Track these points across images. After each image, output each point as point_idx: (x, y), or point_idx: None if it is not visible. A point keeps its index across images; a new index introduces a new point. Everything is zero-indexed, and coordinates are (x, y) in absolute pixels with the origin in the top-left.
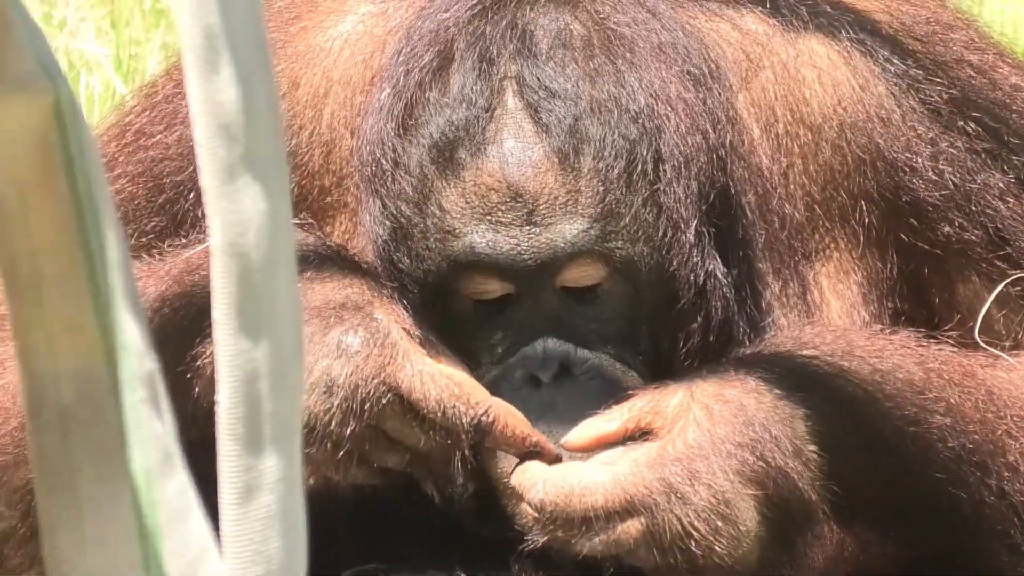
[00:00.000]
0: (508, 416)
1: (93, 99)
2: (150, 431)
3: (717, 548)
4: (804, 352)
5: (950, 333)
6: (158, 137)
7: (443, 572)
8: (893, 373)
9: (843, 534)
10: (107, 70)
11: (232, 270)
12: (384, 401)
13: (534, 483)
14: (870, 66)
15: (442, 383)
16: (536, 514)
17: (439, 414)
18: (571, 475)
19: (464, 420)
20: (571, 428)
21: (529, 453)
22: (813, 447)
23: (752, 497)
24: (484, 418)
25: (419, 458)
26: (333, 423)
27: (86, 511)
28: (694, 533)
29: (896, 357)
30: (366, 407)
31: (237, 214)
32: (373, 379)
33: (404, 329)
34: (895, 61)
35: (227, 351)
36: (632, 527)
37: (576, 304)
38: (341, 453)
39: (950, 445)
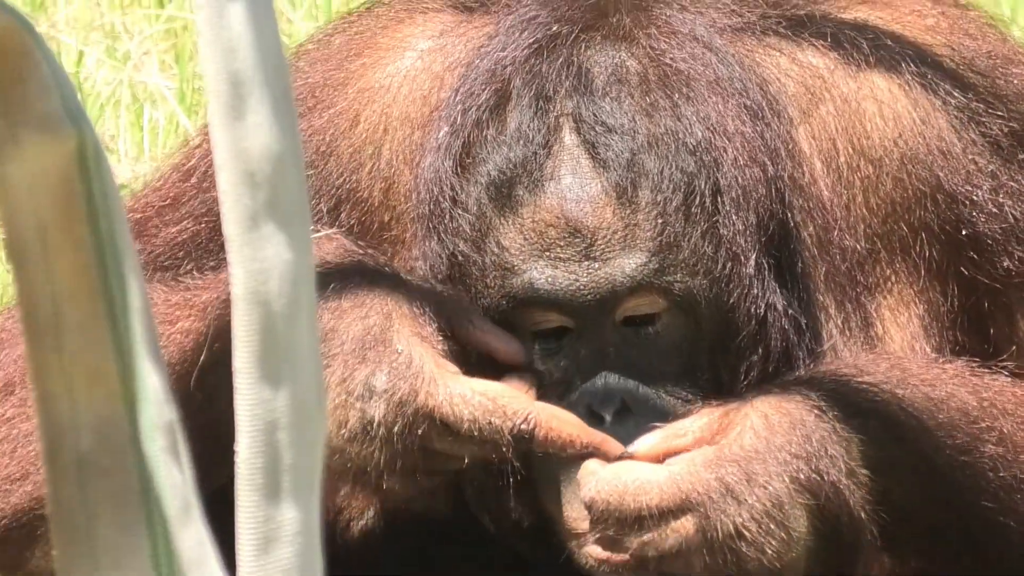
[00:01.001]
0: (552, 420)
1: (157, 132)
2: (169, 480)
3: (768, 551)
4: (860, 378)
5: (1007, 364)
6: None
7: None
8: (947, 401)
9: (889, 561)
10: (171, 103)
11: (254, 319)
12: (422, 429)
13: (587, 480)
14: (931, 99)
15: (475, 400)
16: (589, 511)
17: (476, 432)
18: (625, 472)
19: (504, 432)
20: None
21: (588, 454)
22: (866, 471)
23: (804, 506)
24: (524, 426)
25: (470, 473)
26: (381, 462)
27: (103, 561)
28: (746, 534)
29: (950, 385)
30: (407, 440)
31: (260, 263)
32: (406, 412)
33: (431, 348)
34: (956, 94)
35: (248, 400)
36: (684, 526)
37: (636, 338)
38: (393, 481)
39: (1001, 475)
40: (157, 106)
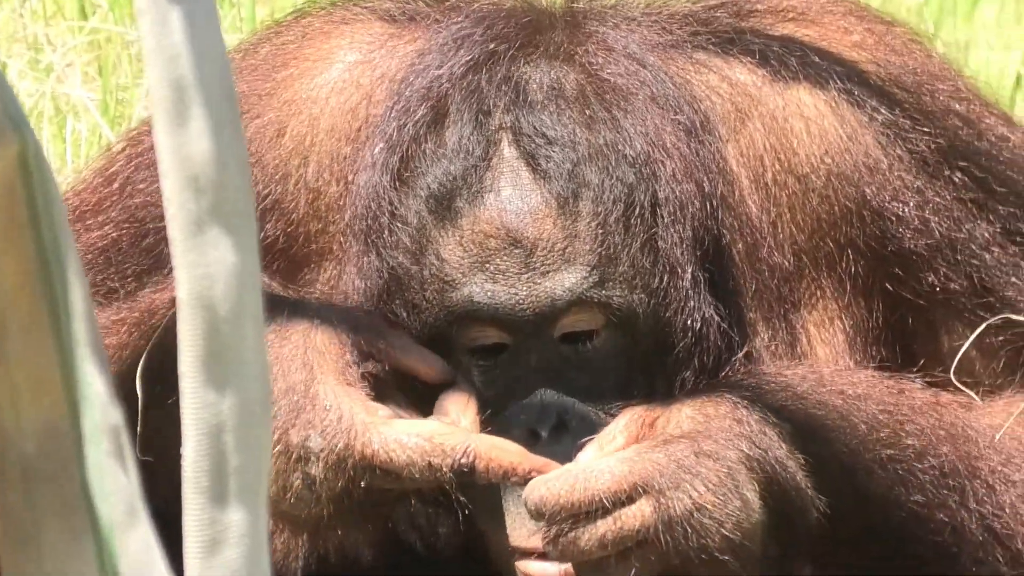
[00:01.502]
0: (492, 450)
1: (79, 143)
2: (114, 483)
3: (728, 521)
4: (780, 381)
5: (928, 379)
6: (142, 186)
7: None
8: (865, 400)
9: (826, 562)
10: (94, 115)
11: (199, 322)
12: (365, 480)
13: (534, 488)
14: (857, 116)
15: (412, 444)
16: (539, 517)
17: (417, 474)
18: (573, 468)
19: (444, 470)
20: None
21: (530, 479)
22: (801, 457)
23: (755, 480)
24: (464, 460)
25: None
26: (331, 516)
27: (49, 563)
28: (705, 505)
29: (866, 386)
30: (352, 491)
31: (205, 267)
32: (346, 467)
33: (359, 395)
34: (882, 111)
35: (193, 404)
36: (640, 508)
37: (573, 355)
38: (343, 530)
39: (926, 466)
40: (80, 118)
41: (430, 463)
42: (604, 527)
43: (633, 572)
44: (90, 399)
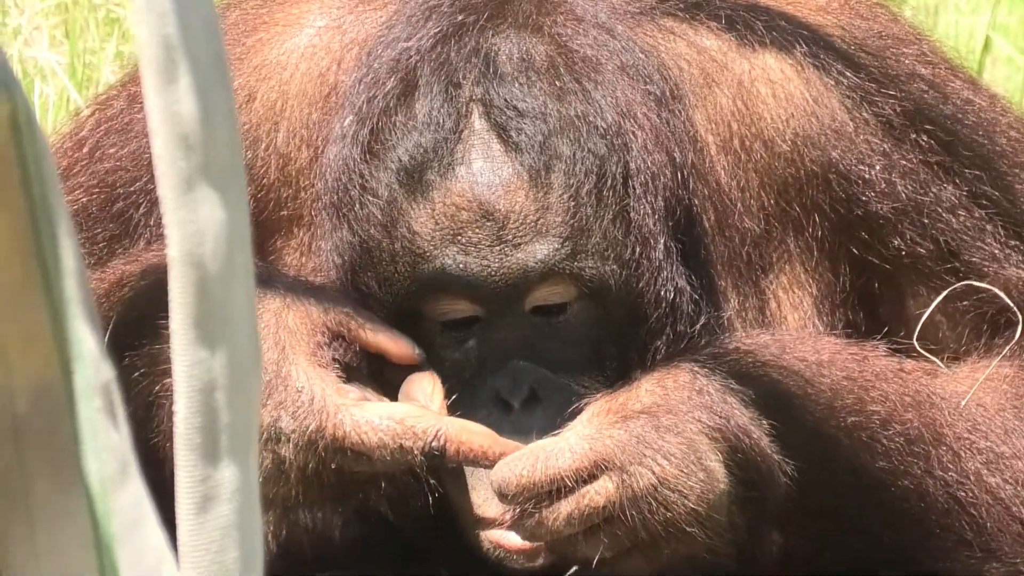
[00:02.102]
0: (463, 433)
1: (47, 107)
2: (106, 441)
3: (691, 494)
4: (743, 348)
5: (893, 345)
6: (112, 150)
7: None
8: (830, 367)
9: (793, 530)
10: (61, 78)
11: (190, 280)
12: (335, 462)
13: (498, 468)
14: (823, 80)
15: (383, 426)
16: (503, 498)
17: (388, 456)
18: (535, 449)
19: (415, 452)
20: None
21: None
22: (766, 423)
23: (718, 449)
24: (435, 443)
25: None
26: (301, 497)
27: (39, 521)
28: (668, 479)
29: (830, 352)
30: (322, 474)
31: (195, 224)
32: (317, 449)
33: (330, 377)
34: (848, 74)
35: (184, 361)
36: (604, 486)
37: (545, 327)
38: (313, 510)
39: (891, 433)
40: (47, 81)
41: (401, 445)
42: (568, 506)
43: (602, 547)
44: (82, 356)
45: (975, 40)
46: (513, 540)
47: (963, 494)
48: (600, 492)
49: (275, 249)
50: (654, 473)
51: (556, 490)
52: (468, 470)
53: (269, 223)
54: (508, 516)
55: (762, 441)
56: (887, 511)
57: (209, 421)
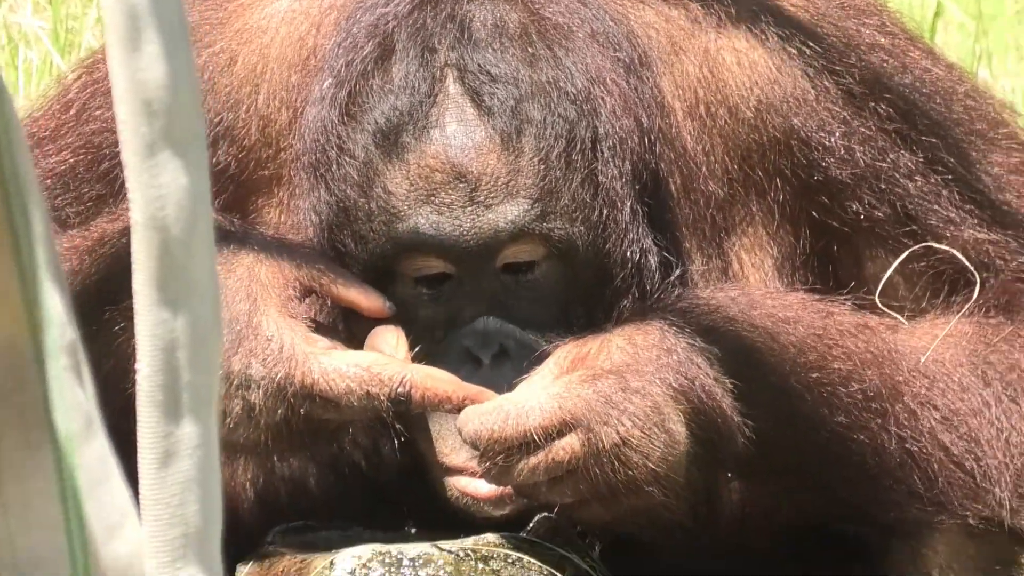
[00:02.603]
0: (427, 379)
1: (31, 72)
2: (72, 398)
3: (653, 455)
4: (712, 303)
5: (858, 302)
6: (98, 112)
7: (370, 530)
8: (795, 323)
9: (753, 486)
10: (45, 43)
11: (152, 243)
12: (304, 408)
13: (469, 417)
14: (787, 49)
15: (350, 373)
16: (474, 449)
17: (355, 402)
18: (505, 403)
19: (382, 398)
20: None
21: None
22: (728, 382)
23: (681, 411)
24: (401, 389)
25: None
26: (270, 443)
27: (8, 475)
28: (631, 439)
29: (796, 309)
30: (291, 419)
31: (157, 188)
32: (286, 395)
33: (300, 326)
34: (810, 44)
35: (147, 322)
36: (570, 442)
37: (515, 284)
38: (282, 456)
39: (851, 390)
40: (31, 46)
41: (368, 392)
42: (536, 459)
43: (564, 496)
44: (49, 318)
45: (928, 7)
46: (481, 488)
47: (917, 449)
48: (566, 448)
49: (256, 208)
50: (618, 433)
51: (525, 444)
52: (435, 420)
53: (250, 183)
54: (478, 465)
55: (724, 402)
56: (844, 465)
57: (171, 380)
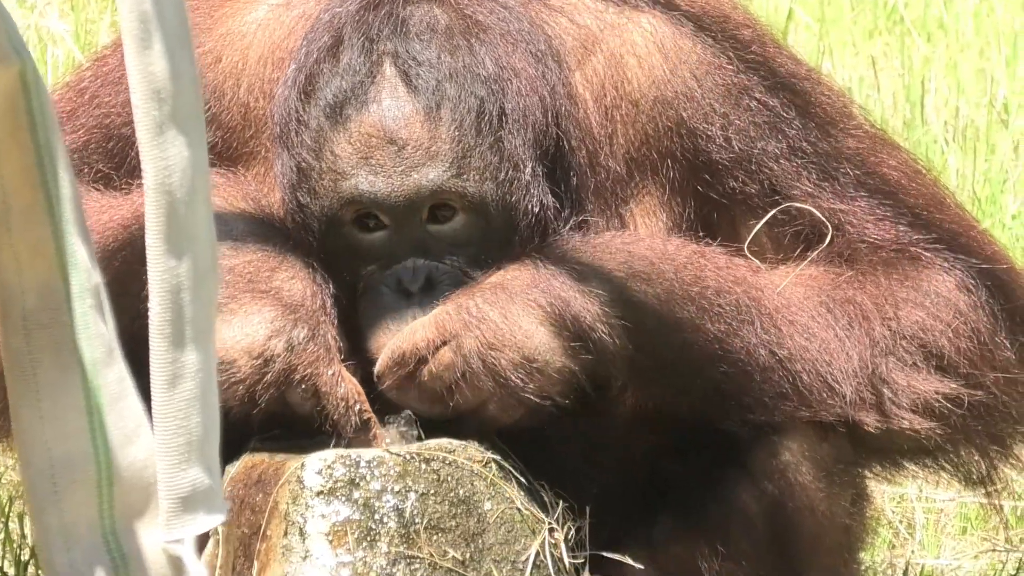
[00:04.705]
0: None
1: (57, 67)
2: (96, 331)
3: (509, 351)
4: (595, 239)
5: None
6: (108, 99)
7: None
8: (675, 252)
9: (643, 386)
10: (68, 43)
11: (161, 204)
12: (300, 393)
13: (387, 347)
14: (678, 54)
15: (341, 390)
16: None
17: (334, 415)
18: (405, 330)
19: (352, 422)
20: None
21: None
22: (606, 294)
23: (546, 319)
24: (368, 421)
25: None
26: (267, 393)
27: (44, 393)
28: (492, 341)
29: (675, 244)
30: (286, 393)
31: (165, 160)
32: (301, 375)
33: (328, 333)
34: (698, 50)
35: (157, 268)
36: (444, 351)
37: (438, 232)
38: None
39: (724, 301)
40: (58, 45)
41: (349, 415)
42: (425, 368)
43: (465, 399)
44: (76, 265)
45: (782, 10)
46: None
47: (782, 352)
48: (444, 355)
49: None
50: (480, 338)
51: (420, 359)
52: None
53: (235, 157)
54: (385, 386)
55: (586, 307)
56: (721, 366)
57: (176, 316)
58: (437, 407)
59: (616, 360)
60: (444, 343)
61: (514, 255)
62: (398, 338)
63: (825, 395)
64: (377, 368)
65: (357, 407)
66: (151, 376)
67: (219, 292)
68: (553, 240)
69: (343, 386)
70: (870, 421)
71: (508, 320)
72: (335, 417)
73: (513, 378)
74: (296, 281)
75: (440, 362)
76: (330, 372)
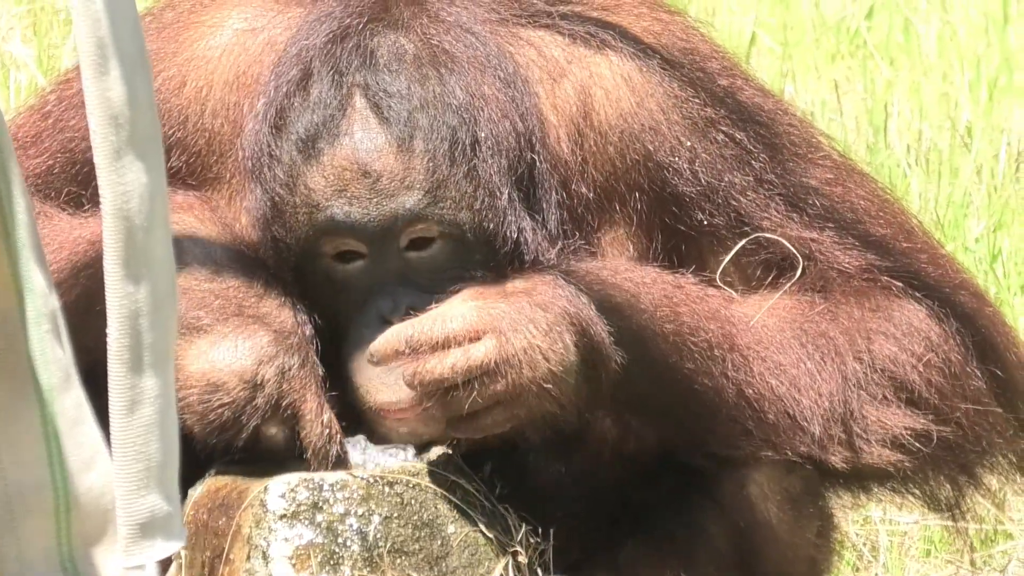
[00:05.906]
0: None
1: (20, 92)
2: (53, 356)
3: (553, 357)
4: (586, 267)
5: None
6: (72, 122)
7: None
8: (652, 285)
9: (614, 423)
10: (31, 68)
11: (119, 230)
12: (281, 421)
13: (401, 328)
14: (646, 87)
15: (324, 419)
16: (403, 350)
17: (312, 447)
18: (435, 312)
19: (327, 453)
20: None
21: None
22: (605, 321)
23: (572, 331)
24: (340, 453)
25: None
26: (253, 418)
27: (0, 420)
28: (539, 344)
29: (652, 277)
30: (269, 420)
31: (123, 186)
32: (287, 401)
33: (316, 363)
34: (665, 83)
35: (115, 294)
36: (485, 345)
37: (416, 260)
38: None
39: (697, 339)
40: (20, 70)
41: (324, 445)
42: (454, 357)
43: (471, 399)
44: (33, 290)
45: (744, 34)
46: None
47: (750, 392)
48: (481, 350)
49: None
50: (527, 339)
51: (448, 345)
52: (360, 372)
53: (199, 183)
54: (407, 359)
55: (602, 332)
56: (692, 403)
57: (135, 341)
58: (436, 427)
59: (612, 381)
60: (485, 333)
61: (520, 269)
62: (427, 320)
63: (793, 434)
64: (375, 347)
65: (338, 438)
66: (110, 402)
67: (177, 318)
68: (550, 265)
69: (326, 416)
70: (837, 459)
71: (553, 328)
72: (314, 449)
73: (545, 384)
74: (285, 309)
75: (475, 355)
76: (316, 403)
